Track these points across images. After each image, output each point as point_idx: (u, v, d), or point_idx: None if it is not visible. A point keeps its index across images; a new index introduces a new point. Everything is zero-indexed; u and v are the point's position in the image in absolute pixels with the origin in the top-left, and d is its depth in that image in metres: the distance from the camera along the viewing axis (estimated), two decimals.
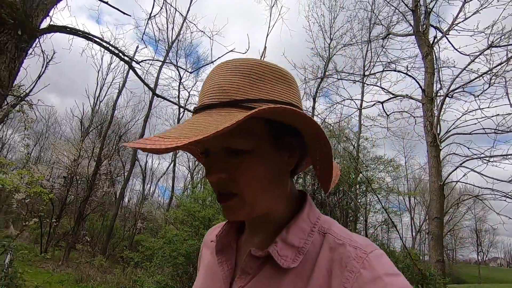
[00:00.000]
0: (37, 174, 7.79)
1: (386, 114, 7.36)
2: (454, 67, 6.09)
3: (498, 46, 5.33)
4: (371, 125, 9.14)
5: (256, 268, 0.47)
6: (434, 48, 6.38)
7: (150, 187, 23.14)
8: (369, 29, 10.24)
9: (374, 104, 7.37)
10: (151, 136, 0.41)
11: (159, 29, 16.06)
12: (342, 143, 8.71)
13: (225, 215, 0.48)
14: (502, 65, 5.23)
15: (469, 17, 6.21)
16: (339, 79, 8.66)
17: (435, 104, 5.87)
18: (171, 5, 5.05)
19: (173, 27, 15.74)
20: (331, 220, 0.51)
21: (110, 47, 3.05)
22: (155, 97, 12.99)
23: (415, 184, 23.94)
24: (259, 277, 0.46)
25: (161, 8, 4.99)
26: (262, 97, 0.44)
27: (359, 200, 8.62)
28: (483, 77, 5.43)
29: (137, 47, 12.35)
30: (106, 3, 3.30)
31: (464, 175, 5.35)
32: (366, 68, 10.20)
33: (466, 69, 5.71)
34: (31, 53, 3.08)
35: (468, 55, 6.04)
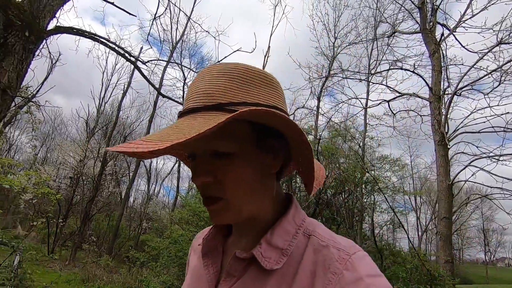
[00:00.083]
0: (44, 175, 7.86)
1: (392, 113, 7.30)
2: (462, 65, 6.02)
3: (508, 43, 5.24)
4: (376, 124, 9.08)
5: (241, 270, 0.47)
6: (441, 45, 6.30)
7: (155, 187, 23.24)
8: (374, 27, 10.15)
9: (380, 103, 7.31)
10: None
11: (163, 29, 16.10)
12: (348, 142, 8.65)
13: (212, 219, 0.49)
14: None
15: (477, 13, 6.13)
16: (344, 78, 8.61)
17: (443, 102, 5.79)
18: (175, 5, 5.05)
19: (177, 27, 15.75)
20: (316, 223, 0.51)
21: (117, 48, 3.05)
22: (160, 97, 13.03)
23: (421, 183, 23.72)
24: (243, 279, 0.46)
25: (166, 8, 4.99)
26: (246, 101, 0.44)
27: (365, 200, 8.55)
28: (492, 74, 5.34)
29: (142, 48, 12.43)
30: (112, 3, 3.30)
31: (472, 174, 5.29)
32: (371, 67, 10.11)
33: (475, 66, 5.63)
34: (38, 55, 3.10)
35: (476, 52, 5.95)
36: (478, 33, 6.00)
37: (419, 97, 6.36)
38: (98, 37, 3.03)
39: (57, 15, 3.05)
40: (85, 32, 2.99)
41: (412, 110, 7.04)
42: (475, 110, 5.58)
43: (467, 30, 6.36)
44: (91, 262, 9.30)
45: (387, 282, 0.41)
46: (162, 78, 12.85)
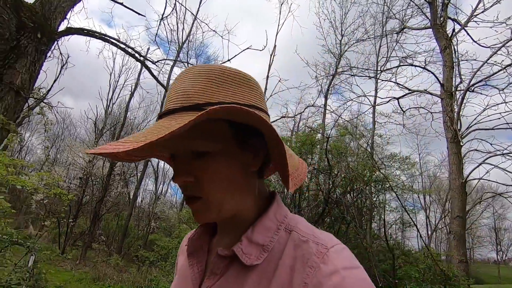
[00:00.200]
0: (56, 175, 7.97)
1: (402, 110, 7.19)
2: (474, 60, 5.88)
3: None
4: (385, 122, 8.97)
5: (224, 268, 0.48)
6: (452, 41, 6.17)
7: (162, 187, 23.40)
8: (382, 24, 10.01)
9: (389, 101, 7.21)
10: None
11: (170, 29, 16.17)
12: (356, 140, 8.55)
13: (194, 218, 0.49)
14: None
15: (489, 7, 5.99)
16: (352, 76, 8.51)
17: (455, 99, 5.67)
18: (181, 5, 5.05)
19: (183, 28, 15.81)
20: (299, 218, 0.52)
21: (127, 48, 3.06)
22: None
23: (430, 181, 23.37)
24: (226, 276, 0.47)
25: (173, 8, 4.98)
26: (223, 100, 0.45)
27: (374, 199, 8.44)
28: (507, 69, 5.20)
29: (148, 48, 12.49)
30: (121, 4, 3.31)
31: (487, 172, 5.17)
32: (380, 64, 9.98)
33: (488, 62, 5.50)
34: (49, 56, 3.12)
35: (489, 47, 5.82)
36: (491, 27, 5.87)
37: (431, 93, 6.24)
38: (108, 38, 3.04)
39: (67, 17, 3.07)
40: (96, 32, 3.00)
41: (423, 108, 6.92)
42: (488, 107, 5.46)
43: (478, 24, 6.23)
44: (101, 261, 9.40)
45: (364, 274, 0.41)
46: (169, 78, 12.91)
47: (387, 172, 8.83)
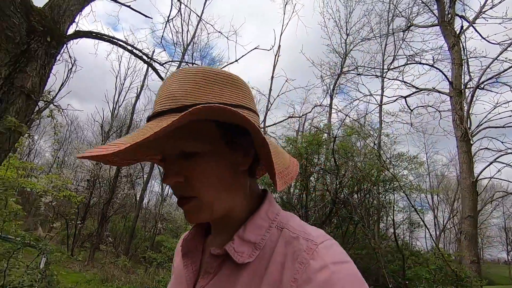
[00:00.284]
0: (64, 177, 8.05)
1: (410, 109, 7.11)
2: (483, 57, 5.79)
3: None
4: (392, 121, 8.88)
5: (217, 267, 0.48)
6: (461, 38, 6.08)
7: (168, 188, 23.53)
8: (388, 22, 9.93)
9: (396, 99, 7.14)
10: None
11: (176, 31, 16.25)
12: (363, 140, 8.48)
13: (186, 219, 0.50)
14: None
15: (497, 4, 5.90)
16: (358, 75, 8.45)
17: (464, 96, 5.58)
18: (186, 6, 5.07)
19: (188, 29, 15.88)
20: (291, 216, 0.52)
21: (135, 50, 3.07)
22: None
23: (437, 181, 23.07)
24: (219, 275, 0.47)
25: (178, 10, 5.01)
26: (210, 101, 0.45)
27: (382, 199, 8.36)
28: None
29: (154, 51, 12.58)
30: (129, 7, 3.33)
31: (498, 171, 5.06)
32: (386, 63, 9.89)
33: (498, 58, 5.40)
34: (59, 59, 3.15)
35: (498, 43, 5.73)
36: (500, 23, 5.77)
37: (439, 92, 6.16)
38: (116, 40, 3.05)
39: (76, 20, 3.09)
40: (104, 35, 3.02)
41: (431, 106, 6.83)
42: (499, 104, 5.37)
43: (487, 21, 6.13)
44: (109, 262, 9.47)
45: (354, 269, 0.41)
46: None
47: (395, 171, 8.74)
